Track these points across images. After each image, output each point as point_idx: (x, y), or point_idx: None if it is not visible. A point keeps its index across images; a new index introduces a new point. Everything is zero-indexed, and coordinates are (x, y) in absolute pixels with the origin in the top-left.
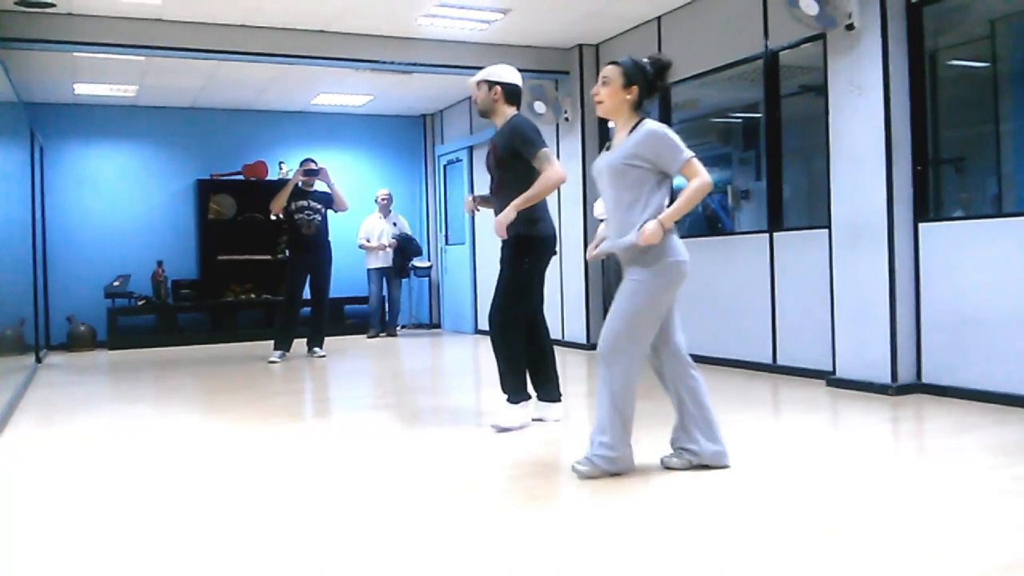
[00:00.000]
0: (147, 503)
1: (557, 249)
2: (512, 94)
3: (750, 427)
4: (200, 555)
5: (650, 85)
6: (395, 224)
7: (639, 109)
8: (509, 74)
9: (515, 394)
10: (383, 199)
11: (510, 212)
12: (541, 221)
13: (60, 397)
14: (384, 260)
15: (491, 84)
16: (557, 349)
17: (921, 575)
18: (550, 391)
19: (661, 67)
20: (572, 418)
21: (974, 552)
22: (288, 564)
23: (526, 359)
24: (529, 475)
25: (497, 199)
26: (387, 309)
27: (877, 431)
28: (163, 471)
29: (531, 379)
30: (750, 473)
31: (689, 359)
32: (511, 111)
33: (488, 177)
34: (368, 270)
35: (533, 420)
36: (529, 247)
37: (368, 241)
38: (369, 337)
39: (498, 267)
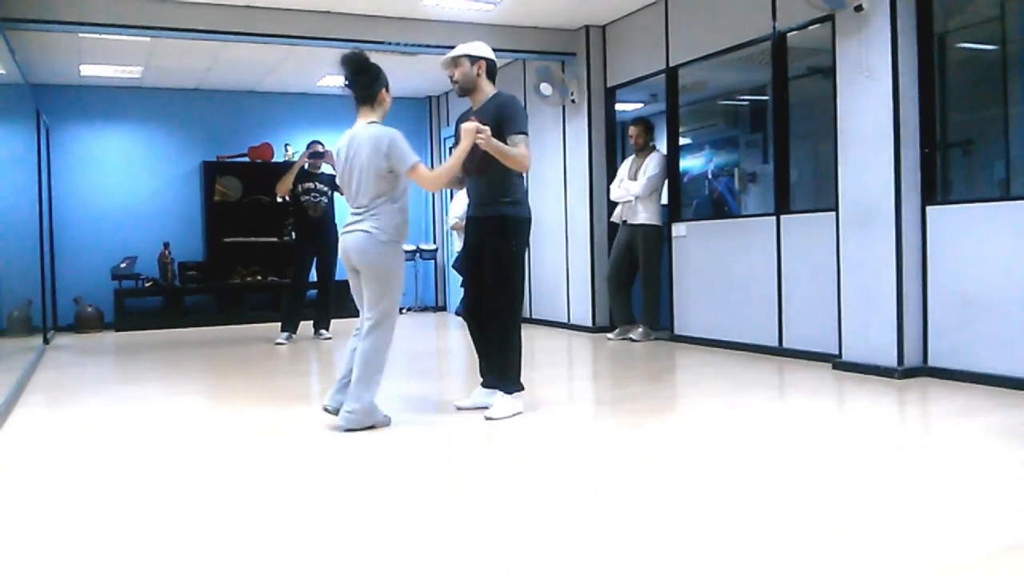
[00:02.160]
0: (153, 486)
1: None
2: (492, 70)
3: (756, 410)
4: (201, 537)
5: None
6: None
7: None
8: (487, 50)
9: (515, 384)
10: None
11: (496, 143)
12: (523, 203)
13: (68, 378)
14: None
15: (473, 59)
16: (563, 331)
17: (929, 557)
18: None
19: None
20: (579, 400)
21: (981, 534)
22: (286, 549)
23: (485, 345)
24: (531, 465)
25: (483, 177)
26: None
27: (883, 414)
28: (169, 453)
29: (485, 365)
30: (756, 455)
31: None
32: (491, 88)
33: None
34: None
35: (474, 407)
36: (517, 228)
37: (462, 219)
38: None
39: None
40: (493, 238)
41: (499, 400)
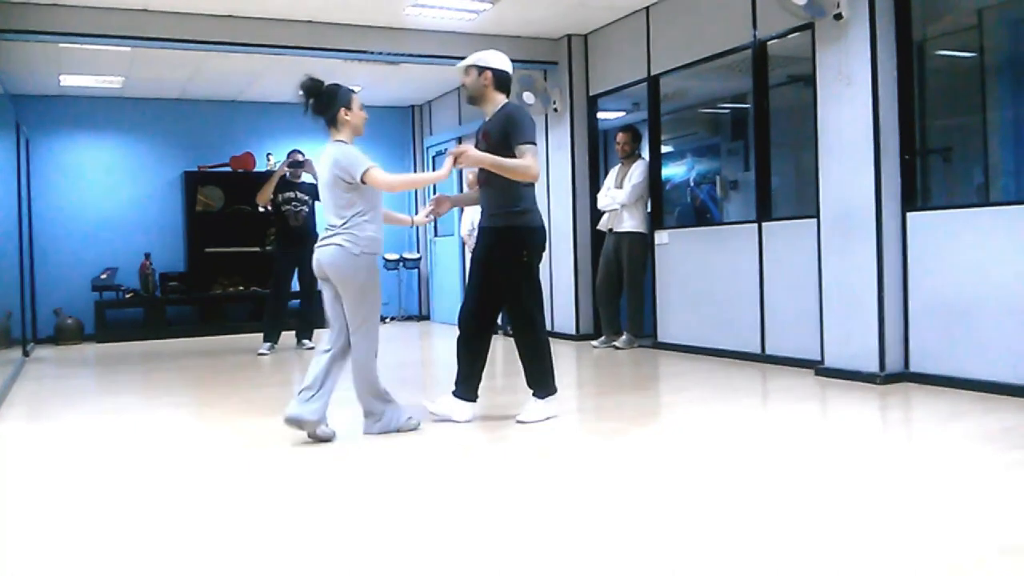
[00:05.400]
0: (139, 498)
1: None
2: (502, 81)
3: (738, 416)
4: (198, 544)
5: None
6: None
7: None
8: (500, 60)
9: (549, 388)
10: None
11: (485, 156)
12: (531, 212)
13: (48, 391)
14: None
15: (481, 69)
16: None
17: (916, 563)
18: (475, 388)
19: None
20: (564, 406)
21: (968, 538)
22: (285, 552)
23: (483, 353)
24: (518, 466)
25: (490, 187)
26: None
27: (865, 420)
28: (151, 466)
29: (470, 375)
30: (742, 458)
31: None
32: (502, 98)
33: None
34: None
35: (442, 417)
36: (526, 238)
37: (472, 232)
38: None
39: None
40: (502, 249)
41: (531, 404)
